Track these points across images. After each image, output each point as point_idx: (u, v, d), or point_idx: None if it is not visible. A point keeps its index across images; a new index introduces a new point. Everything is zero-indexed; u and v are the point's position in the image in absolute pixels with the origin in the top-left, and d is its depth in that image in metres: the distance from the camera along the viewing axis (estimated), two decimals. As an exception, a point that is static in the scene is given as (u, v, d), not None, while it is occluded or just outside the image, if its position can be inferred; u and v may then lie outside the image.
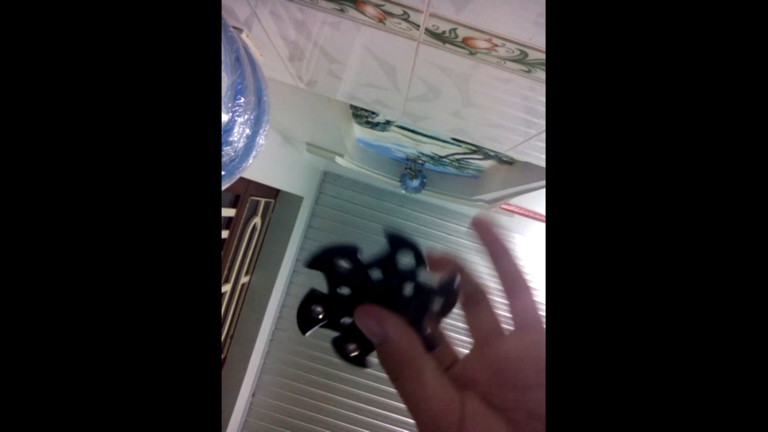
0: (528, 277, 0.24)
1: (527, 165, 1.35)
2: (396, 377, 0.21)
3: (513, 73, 0.61)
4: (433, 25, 0.55)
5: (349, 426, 2.82)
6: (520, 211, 1.90)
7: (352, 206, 2.94)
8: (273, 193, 2.47)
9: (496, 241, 0.25)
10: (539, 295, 0.24)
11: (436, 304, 0.23)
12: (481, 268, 0.26)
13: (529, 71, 0.59)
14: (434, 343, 0.22)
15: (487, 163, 1.69)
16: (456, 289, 0.24)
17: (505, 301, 0.24)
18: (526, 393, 0.20)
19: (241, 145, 0.61)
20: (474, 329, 0.24)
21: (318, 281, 0.25)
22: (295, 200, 2.56)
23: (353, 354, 0.23)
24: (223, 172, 0.63)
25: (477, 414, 0.19)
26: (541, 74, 0.59)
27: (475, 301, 0.25)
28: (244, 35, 0.74)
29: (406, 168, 2.08)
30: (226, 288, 2.17)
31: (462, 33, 0.54)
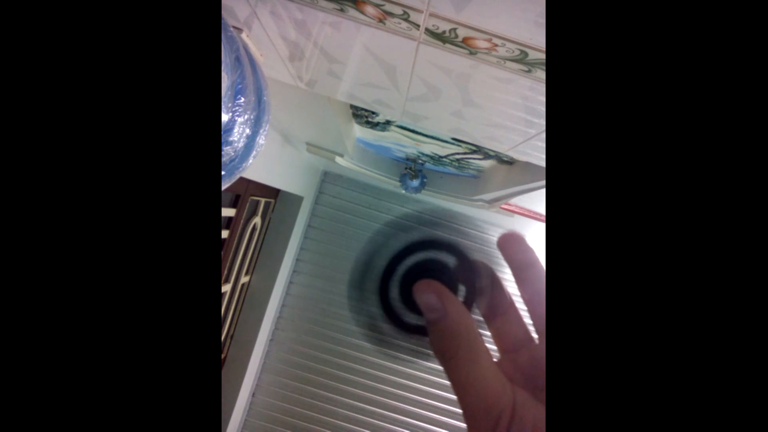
0: None
1: (527, 165, 1.35)
2: (451, 356, 0.21)
3: (513, 73, 0.61)
4: (433, 25, 0.55)
5: (349, 426, 2.82)
6: (520, 211, 1.90)
7: (352, 206, 2.94)
8: (273, 193, 2.47)
9: (525, 251, 0.25)
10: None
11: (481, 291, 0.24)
12: (507, 281, 0.26)
13: (529, 71, 0.59)
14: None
15: (487, 163, 1.69)
16: (486, 281, 0.24)
17: (532, 305, 0.24)
18: None
19: (241, 145, 0.61)
20: (503, 337, 0.24)
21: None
22: (295, 200, 2.56)
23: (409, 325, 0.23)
24: (223, 172, 0.63)
25: (527, 402, 0.19)
26: (541, 74, 0.59)
27: (504, 310, 0.25)
28: (244, 35, 0.74)
29: (406, 168, 2.08)
30: (226, 288, 2.17)
31: (462, 33, 0.54)
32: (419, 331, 0.23)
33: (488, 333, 0.25)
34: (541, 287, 0.23)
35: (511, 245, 0.25)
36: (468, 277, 0.23)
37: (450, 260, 0.24)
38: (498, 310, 0.25)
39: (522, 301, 0.25)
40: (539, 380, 0.21)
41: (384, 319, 0.24)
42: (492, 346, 0.24)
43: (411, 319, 0.24)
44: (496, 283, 0.25)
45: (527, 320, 0.24)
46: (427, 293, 0.22)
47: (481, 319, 0.25)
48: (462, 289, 0.23)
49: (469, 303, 0.23)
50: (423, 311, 0.22)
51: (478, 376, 0.20)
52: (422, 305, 0.22)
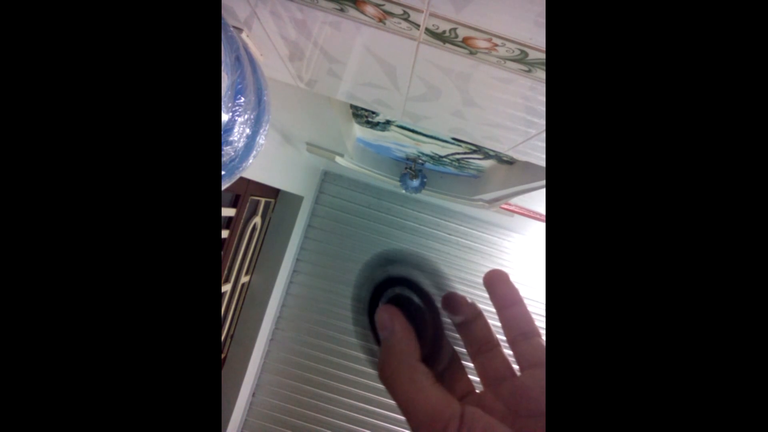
0: (537, 323, 0.25)
1: (527, 165, 1.35)
2: (390, 373, 0.22)
3: (513, 73, 0.61)
4: (433, 25, 0.55)
5: (349, 426, 2.82)
6: (520, 211, 1.90)
7: (352, 206, 2.94)
8: (273, 192, 2.47)
9: (509, 290, 0.26)
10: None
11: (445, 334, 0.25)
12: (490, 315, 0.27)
13: (529, 71, 0.59)
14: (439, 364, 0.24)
15: (487, 163, 1.69)
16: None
17: (515, 343, 0.25)
18: (540, 420, 0.21)
19: (241, 144, 0.61)
20: (486, 371, 0.25)
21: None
22: (295, 200, 2.56)
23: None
24: (223, 172, 0.63)
25: (476, 413, 0.20)
26: (541, 74, 0.59)
27: (489, 348, 0.26)
28: (244, 35, 0.74)
29: (406, 168, 2.08)
30: (226, 288, 2.17)
31: (462, 33, 0.54)
32: None
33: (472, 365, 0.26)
34: (524, 325, 0.25)
35: (496, 284, 0.26)
36: (434, 326, 0.25)
37: (423, 304, 0.25)
38: (483, 347, 0.26)
39: (505, 337, 0.26)
40: (521, 409, 0.22)
41: (372, 339, 0.26)
42: (475, 378, 0.26)
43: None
44: (482, 321, 0.27)
45: (510, 356, 0.25)
46: (383, 313, 0.24)
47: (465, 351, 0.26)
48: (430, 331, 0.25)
49: (433, 351, 0.24)
50: (378, 330, 0.24)
51: (418, 392, 0.21)
52: (377, 324, 0.24)
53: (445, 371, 0.25)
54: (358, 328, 0.26)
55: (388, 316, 0.24)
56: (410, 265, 0.26)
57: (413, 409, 0.20)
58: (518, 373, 0.24)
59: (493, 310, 0.26)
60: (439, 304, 0.25)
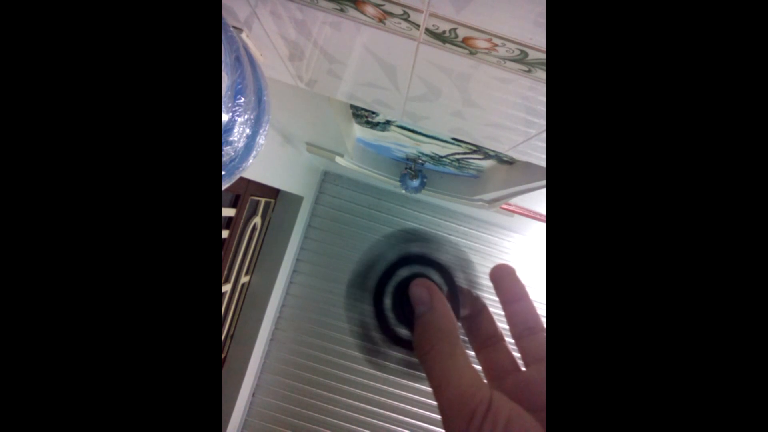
0: (542, 318, 0.25)
1: (527, 165, 1.35)
2: (429, 349, 0.22)
3: (513, 73, 0.61)
4: (433, 25, 0.55)
5: (350, 426, 2.82)
6: (520, 211, 1.90)
7: (352, 206, 2.94)
8: (273, 193, 2.47)
9: (515, 284, 0.26)
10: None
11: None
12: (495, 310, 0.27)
13: (529, 71, 0.59)
14: None
15: (487, 163, 1.69)
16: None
17: (520, 338, 0.25)
18: (543, 414, 0.21)
19: (241, 144, 0.61)
20: (490, 365, 0.25)
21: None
22: (295, 200, 2.56)
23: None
24: (223, 172, 0.63)
25: (502, 399, 0.20)
26: (541, 74, 0.59)
27: (494, 342, 0.26)
28: (244, 35, 0.74)
29: (406, 168, 2.08)
30: (226, 288, 2.17)
31: (462, 33, 0.54)
32: (406, 345, 0.25)
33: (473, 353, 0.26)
34: (530, 320, 0.25)
35: (502, 278, 0.26)
36: (454, 297, 0.25)
37: (440, 280, 0.25)
38: (488, 341, 0.26)
39: (510, 332, 0.26)
40: (525, 404, 0.22)
41: (376, 328, 0.25)
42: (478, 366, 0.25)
43: (401, 331, 0.25)
44: (486, 314, 0.26)
45: (515, 352, 0.25)
46: (420, 288, 0.24)
47: (467, 340, 0.26)
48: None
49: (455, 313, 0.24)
50: (413, 304, 0.24)
51: (455, 369, 0.20)
52: (413, 298, 0.24)
53: (484, 349, 0.25)
54: (363, 308, 0.25)
55: (425, 290, 0.23)
56: (433, 245, 0.26)
57: (447, 387, 0.20)
58: (523, 368, 0.24)
59: (498, 303, 0.26)
60: (462, 285, 0.25)
